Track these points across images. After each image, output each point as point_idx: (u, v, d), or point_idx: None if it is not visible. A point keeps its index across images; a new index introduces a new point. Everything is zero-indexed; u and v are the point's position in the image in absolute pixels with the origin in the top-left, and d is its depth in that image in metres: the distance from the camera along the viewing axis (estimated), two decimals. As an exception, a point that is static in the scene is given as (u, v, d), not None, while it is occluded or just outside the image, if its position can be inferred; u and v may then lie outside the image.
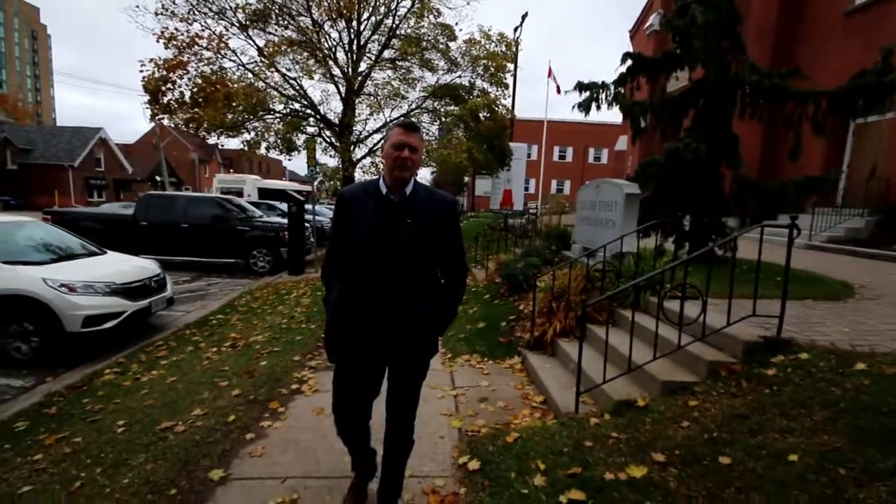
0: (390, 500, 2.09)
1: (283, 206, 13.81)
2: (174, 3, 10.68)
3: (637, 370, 2.95)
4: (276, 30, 11.72)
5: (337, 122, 13.18)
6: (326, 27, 11.90)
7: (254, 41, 11.57)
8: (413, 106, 13.78)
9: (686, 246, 5.58)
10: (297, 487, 2.34)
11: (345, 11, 11.02)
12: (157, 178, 34.53)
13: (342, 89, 12.62)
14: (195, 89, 10.37)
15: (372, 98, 13.70)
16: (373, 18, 12.26)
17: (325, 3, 11.15)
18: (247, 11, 11.23)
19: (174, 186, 36.02)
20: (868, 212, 9.28)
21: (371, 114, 13.92)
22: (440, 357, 4.39)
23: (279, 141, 12.64)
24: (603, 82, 5.64)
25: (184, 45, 10.26)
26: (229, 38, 11.37)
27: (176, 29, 10.49)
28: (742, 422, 2.36)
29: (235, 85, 10.91)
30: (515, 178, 14.19)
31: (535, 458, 2.45)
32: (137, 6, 14.20)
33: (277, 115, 12.53)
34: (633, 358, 2.97)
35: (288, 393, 3.56)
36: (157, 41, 10.32)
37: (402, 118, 13.63)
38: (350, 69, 12.40)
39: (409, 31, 12.62)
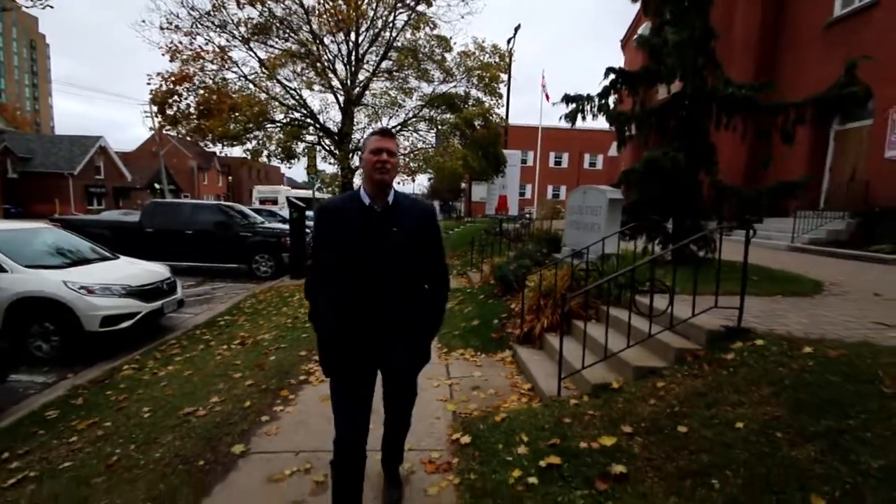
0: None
1: (284, 213, 14.17)
2: (178, 17, 11.10)
3: (613, 357, 3.28)
4: (277, 42, 12.13)
5: (336, 131, 13.56)
6: (326, 40, 12.31)
7: (255, 53, 11.98)
8: (410, 115, 14.18)
9: (669, 248, 5.93)
10: (310, 459, 2.66)
11: (343, 25, 11.43)
12: (157, 186, 34.84)
13: (341, 99, 13.01)
14: (200, 101, 10.76)
15: (370, 108, 14.10)
16: (371, 31, 12.68)
17: (325, 17, 11.56)
18: (248, 26, 11.64)
19: (173, 194, 36.27)
20: (849, 214, 9.65)
21: (369, 122, 14.33)
22: (437, 351, 4.70)
23: (279, 149, 13.01)
24: (588, 95, 6.01)
25: (189, 58, 10.65)
26: (231, 49, 11.77)
27: (180, 42, 10.90)
28: (701, 398, 2.69)
29: (237, 96, 11.29)
30: (510, 184, 14.57)
31: (520, 432, 2.77)
32: (143, 21, 14.62)
33: (278, 124, 12.91)
34: (610, 346, 3.30)
35: (296, 383, 3.87)
36: (163, 55, 10.73)
37: (398, 126, 14.05)
38: (349, 80, 12.80)
39: (405, 42, 13.05)
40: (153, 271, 6.07)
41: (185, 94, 10.69)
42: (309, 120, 13.27)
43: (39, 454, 2.97)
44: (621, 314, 3.72)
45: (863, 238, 8.87)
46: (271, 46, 12.14)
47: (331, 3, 11.36)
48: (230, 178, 58.13)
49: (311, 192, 14.48)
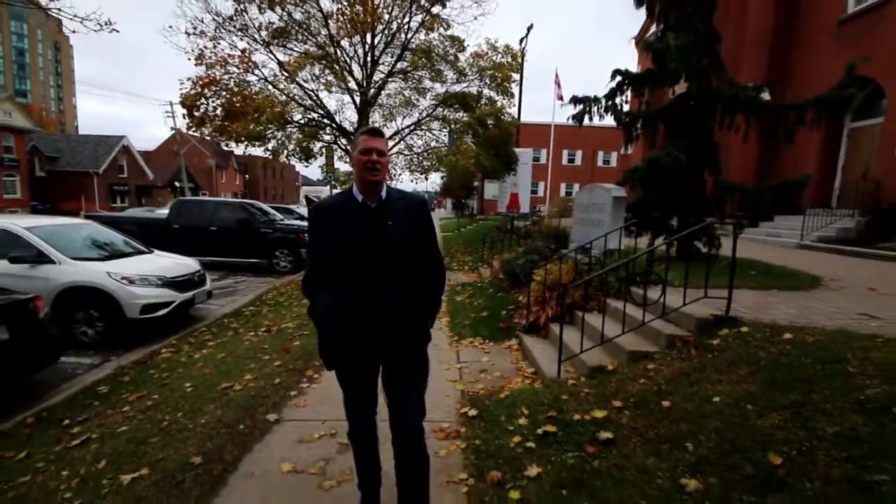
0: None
1: (302, 210, 14.65)
2: (202, 22, 11.59)
3: (609, 343, 3.58)
4: (296, 45, 12.55)
5: (352, 131, 13.96)
6: (343, 43, 12.70)
7: (275, 56, 12.43)
8: (424, 114, 14.51)
9: (674, 244, 6.16)
10: (335, 426, 3.02)
11: (360, 28, 11.79)
12: (177, 184, 35.91)
13: (357, 100, 13.40)
14: (224, 103, 11.27)
15: (385, 108, 14.47)
16: (386, 33, 13.03)
17: (342, 20, 11.94)
18: (269, 29, 12.08)
19: (192, 192, 37.25)
20: (859, 212, 9.68)
21: (384, 122, 14.69)
22: (447, 339, 5.04)
23: (298, 149, 13.46)
24: (595, 96, 6.25)
25: (214, 62, 11.16)
26: (252, 52, 12.24)
27: (205, 47, 11.39)
28: (685, 378, 2.98)
29: (259, 97, 11.76)
30: (521, 182, 14.83)
31: (522, 407, 3.09)
32: (171, 26, 15.22)
33: (297, 124, 13.36)
34: (606, 333, 3.59)
35: (320, 364, 4.19)
36: (189, 59, 11.24)
37: (412, 125, 14.40)
38: (365, 81, 13.18)
39: (419, 43, 13.37)
40: (185, 264, 6.52)
41: (211, 96, 11.20)
42: (326, 120, 13.69)
43: (97, 421, 3.40)
44: (620, 305, 4.00)
45: (871, 236, 8.91)
46: (291, 49, 12.58)
47: (349, 7, 11.73)
48: (247, 176, 59.39)
49: (328, 189, 14.95)
